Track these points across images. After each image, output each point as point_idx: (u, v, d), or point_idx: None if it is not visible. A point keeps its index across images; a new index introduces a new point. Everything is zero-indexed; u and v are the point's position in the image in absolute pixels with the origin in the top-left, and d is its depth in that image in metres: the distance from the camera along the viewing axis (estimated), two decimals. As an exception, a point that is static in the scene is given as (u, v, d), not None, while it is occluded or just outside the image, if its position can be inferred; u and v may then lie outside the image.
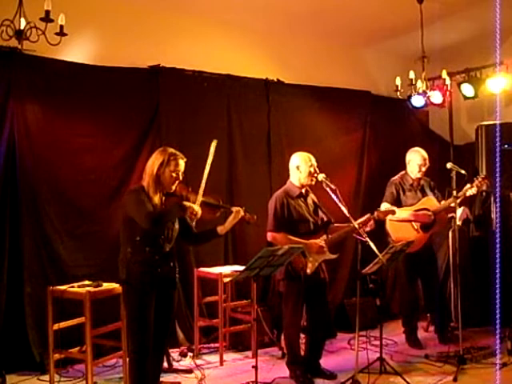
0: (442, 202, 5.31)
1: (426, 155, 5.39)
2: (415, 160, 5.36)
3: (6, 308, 4.71)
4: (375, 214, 4.53)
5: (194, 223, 3.78)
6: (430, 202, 5.34)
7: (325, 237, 4.53)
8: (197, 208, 3.54)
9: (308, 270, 4.40)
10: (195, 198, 3.66)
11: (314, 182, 4.57)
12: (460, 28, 6.35)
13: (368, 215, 4.50)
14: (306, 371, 4.55)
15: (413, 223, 5.27)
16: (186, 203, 3.53)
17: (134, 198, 3.57)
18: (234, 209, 3.80)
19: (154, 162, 3.64)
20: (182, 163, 3.66)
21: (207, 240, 4.01)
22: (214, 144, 3.83)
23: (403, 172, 5.45)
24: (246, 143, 6.15)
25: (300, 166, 4.52)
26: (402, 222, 5.24)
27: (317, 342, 4.66)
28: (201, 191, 3.67)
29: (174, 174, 3.63)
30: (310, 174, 4.51)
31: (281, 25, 6.08)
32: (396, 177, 5.46)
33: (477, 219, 6.27)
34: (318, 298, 4.58)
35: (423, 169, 5.36)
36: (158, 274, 3.62)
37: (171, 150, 3.69)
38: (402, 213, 5.20)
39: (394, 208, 4.82)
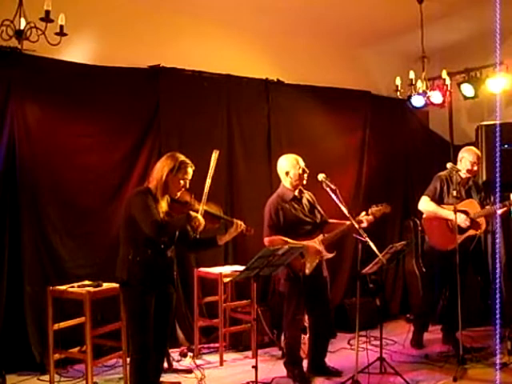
0: (487, 207, 5.12)
1: (479, 153, 5.23)
2: (468, 157, 5.16)
3: (5, 308, 4.71)
4: (369, 211, 4.53)
5: (195, 234, 3.63)
6: (472, 205, 5.14)
7: (321, 236, 4.55)
8: (201, 219, 3.51)
9: (307, 271, 4.43)
10: (197, 205, 3.65)
11: (305, 182, 4.60)
12: (460, 28, 6.35)
13: (363, 213, 4.52)
14: (310, 370, 4.60)
15: (448, 222, 5.12)
16: (193, 213, 3.50)
17: (142, 201, 3.51)
18: (236, 222, 3.80)
19: (163, 166, 3.63)
20: (190, 171, 3.68)
21: (205, 248, 4.01)
22: (215, 155, 3.76)
23: (450, 167, 5.00)
24: (246, 143, 6.15)
25: (289, 172, 4.55)
26: (436, 220, 5.18)
27: (321, 340, 4.67)
28: (204, 200, 3.64)
29: (181, 182, 3.64)
30: (300, 177, 4.55)
31: (281, 25, 6.07)
32: (444, 172, 5.24)
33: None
34: (319, 296, 4.59)
35: (475, 168, 5.17)
36: (159, 275, 3.61)
37: (182, 157, 3.69)
38: (440, 210, 5.13)
39: (387, 206, 4.64)
